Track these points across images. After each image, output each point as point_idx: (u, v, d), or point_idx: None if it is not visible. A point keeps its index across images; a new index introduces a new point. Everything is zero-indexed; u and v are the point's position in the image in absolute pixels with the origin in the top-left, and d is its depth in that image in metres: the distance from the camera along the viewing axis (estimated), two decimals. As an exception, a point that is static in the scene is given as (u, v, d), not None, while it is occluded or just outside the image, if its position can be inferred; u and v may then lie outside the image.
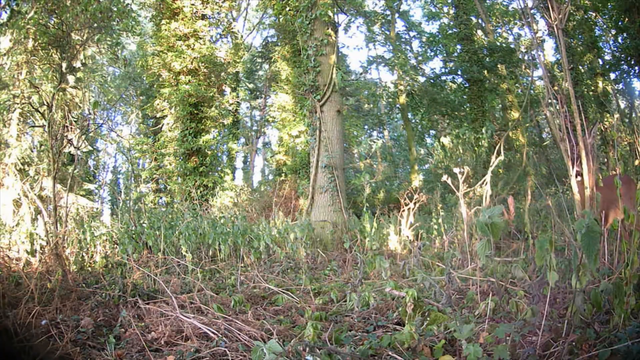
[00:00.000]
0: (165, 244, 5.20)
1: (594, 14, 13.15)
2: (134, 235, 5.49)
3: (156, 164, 13.15)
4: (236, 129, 17.51)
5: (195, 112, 12.08)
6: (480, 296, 2.94)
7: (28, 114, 10.09)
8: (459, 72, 14.76)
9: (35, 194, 8.51)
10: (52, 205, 4.20)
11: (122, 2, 8.45)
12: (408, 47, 18.97)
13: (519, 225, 5.35)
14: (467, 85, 14.61)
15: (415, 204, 5.66)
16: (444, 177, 4.11)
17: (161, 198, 13.40)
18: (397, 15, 17.83)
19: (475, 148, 11.22)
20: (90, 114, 12.43)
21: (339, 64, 8.44)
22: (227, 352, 2.19)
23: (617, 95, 14.69)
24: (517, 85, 15.98)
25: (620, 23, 12.12)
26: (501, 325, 1.95)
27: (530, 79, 13.82)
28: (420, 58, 17.64)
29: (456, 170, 4.07)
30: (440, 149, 12.04)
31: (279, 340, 2.26)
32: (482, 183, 4.42)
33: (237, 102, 16.97)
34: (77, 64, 9.52)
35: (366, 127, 24.85)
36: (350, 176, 15.62)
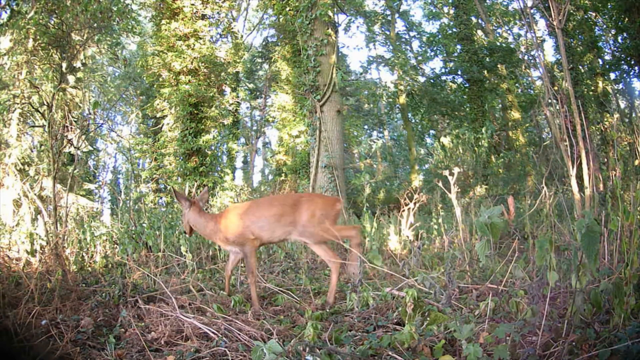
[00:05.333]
0: (165, 244, 5.20)
1: (594, 14, 13.16)
2: (134, 235, 5.49)
3: (156, 164, 13.15)
4: (236, 129, 17.51)
5: (195, 112, 12.08)
6: (480, 297, 2.94)
7: (28, 114, 10.09)
8: (459, 72, 14.78)
9: (35, 194, 8.52)
10: (52, 205, 4.20)
11: (122, 2, 8.46)
12: (408, 47, 18.98)
13: (518, 225, 5.35)
14: (467, 85, 14.62)
15: (415, 204, 5.66)
16: (437, 180, 4.12)
17: (161, 198, 13.40)
18: (397, 15, 17.85)
19: (475, 148, 11.22)
20: (90, 114, 12.43)
21: (339, 64, 8.44)
22: (227, 352, 2.19)
23: (617, 95, 14.69)
24: (517, 85, 15.97)
25: (620, 23, 12.13)
26: (501, 325, 1.95)
27: (529, 78, 13.82)
28: (420, 58, 17.65)
29: (446, 172, 4.08)
30: (440, 149, 12.04)
31: (279, 340, 2.26)
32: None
33: (237, 102, 16.96)
34: (77, 64, 9.54)
35: (366, 127, 24.86)
36: (350, 176, 15.62)
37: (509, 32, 17.89)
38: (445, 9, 18.03)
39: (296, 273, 4.79)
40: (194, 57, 12.19)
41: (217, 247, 5.52)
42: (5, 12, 8.24)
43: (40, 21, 8.21)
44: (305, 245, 3.42)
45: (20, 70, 9.26)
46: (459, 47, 14.91)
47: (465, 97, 14.90)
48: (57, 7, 8.06)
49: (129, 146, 15.19)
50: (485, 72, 14.01)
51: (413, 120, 17.91)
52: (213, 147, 12.81)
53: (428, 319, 2.46)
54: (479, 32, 16.26)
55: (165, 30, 12.30)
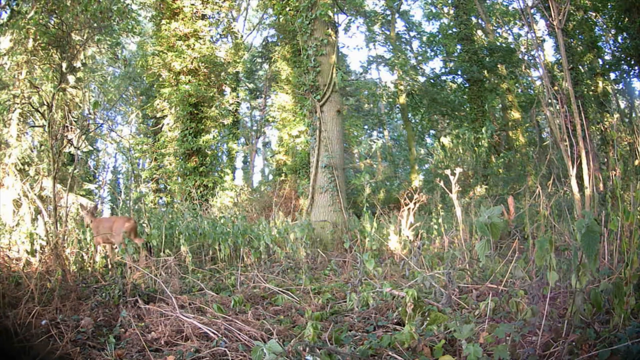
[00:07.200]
0: (165, 244, 5.20)
1: (594, 14, 13.15)
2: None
3: (156, 164, 13.15)
4: (236, 129, 17.51)
5: (195, 112, 12.08)
6: (480, 297, 2.94)
7: (28, 114, 10.07)
8: (459, 72, 14.77)
9: (35, 194, 8.52)
10: (52, 205, 4.20)
11: (122, 2, 8.45)
12: (408, 47, 18.97)
13: (519, 225, 5.35)
14: (467, 85, 14.61)
15: (415, 204, 5.66)
16: (437, 179, 4.14)
17: (161, 198, 13.40)
18: (397, 15, 17.84)
19: (475, 148, 11.22)
20: (90, 114, 12.43)
21: (339, 64, 8.43)
22: (227, 352, 2.19)
23: (617, 95, 14.68)
24: (517, 85, 15.95)
25: (620, 23, 12.12)
26: (501, 325, 1.95)
27: (529, 78, 13.82)
28: (420, 58, 17.65)
29: (447, 172, 4.08)
30: (440, 149, 12.05)
31: (279, 340, 2.26)
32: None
33: (237, 102, 16.96)
34: (77, 64, 9.52)
35: (366, 127, 24.83)
36: (350, 176, 15.62)
37: (509, 32, 17.89)
38: (445, 9, 18.01)
39: (296, 273, 4.79)
40: (194, 57, 12.18)
41: (216, 248, 5.53)
42: (5, 12, 8.23)
43: (40, 21, 8.19)
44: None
45: (20, 70, 9.24)
46: (459, 47, 14.90)
47: (465, 97, 14.89)
48: (57, 7, 8.05)
49: (129, 146, 15.19)
50: (485, 72, 14.00)
51: (413, 120, 17.90)
52: (213, 147, 12.81)
53: (428, 319, 2.46)
54: (479, 32, 16.25)
55: (165, 30, 12.30)
